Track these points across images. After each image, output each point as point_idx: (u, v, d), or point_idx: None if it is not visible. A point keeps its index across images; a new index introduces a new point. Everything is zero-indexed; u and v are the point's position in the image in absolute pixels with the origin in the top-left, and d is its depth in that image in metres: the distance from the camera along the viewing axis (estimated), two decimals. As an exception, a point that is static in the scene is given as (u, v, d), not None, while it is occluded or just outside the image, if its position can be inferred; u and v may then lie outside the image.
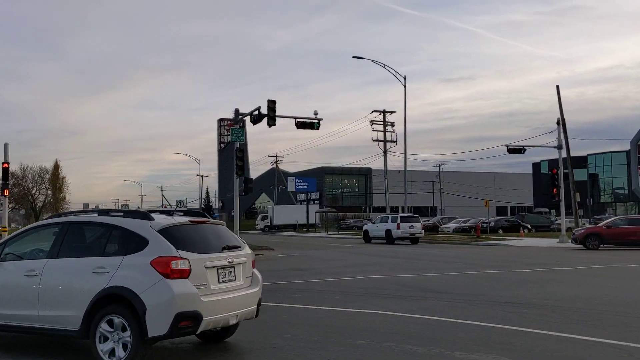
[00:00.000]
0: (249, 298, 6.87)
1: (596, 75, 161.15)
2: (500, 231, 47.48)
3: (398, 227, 34.08)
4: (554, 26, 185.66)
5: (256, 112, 25.95)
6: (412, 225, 34.45)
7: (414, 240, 34.41)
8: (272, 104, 25.35)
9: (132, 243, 6.33)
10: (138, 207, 69.08)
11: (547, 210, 74.45)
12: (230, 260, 6.67)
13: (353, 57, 43.75)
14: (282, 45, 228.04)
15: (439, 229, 53.51)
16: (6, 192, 26.28)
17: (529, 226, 49.48)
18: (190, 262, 6.13)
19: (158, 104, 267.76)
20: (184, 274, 6.05)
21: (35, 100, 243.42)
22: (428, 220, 61.84)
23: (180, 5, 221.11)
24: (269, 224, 73.13)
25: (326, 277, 15.53)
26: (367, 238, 37.73)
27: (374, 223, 38.98)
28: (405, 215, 37.35)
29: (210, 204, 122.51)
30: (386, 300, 11.04)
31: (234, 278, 6.73)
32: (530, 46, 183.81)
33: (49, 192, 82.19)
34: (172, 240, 6.24)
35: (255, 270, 7.27)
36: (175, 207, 53.89)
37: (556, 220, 48.35)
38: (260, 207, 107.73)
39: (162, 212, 7.24)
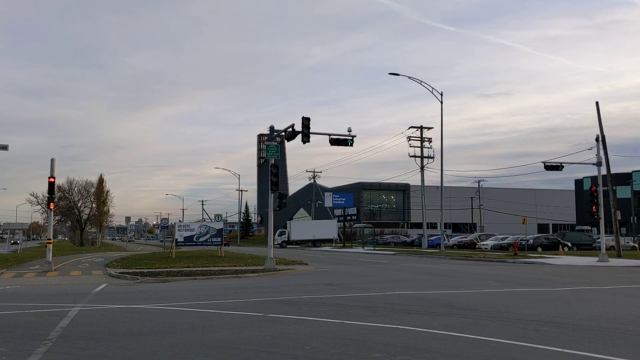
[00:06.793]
0: None
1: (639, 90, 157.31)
2: (540, 249, 46.74)
3: None
4: (595, 40, 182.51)
5: (290, 129, 26.42)
6: None
7: None
8: (306, 121, 25.74)
9: None
10: (180, 221, 70.48)
11: (589, 228, 72.80)
12: None
13: (389, 73, 44.18)
14: (319, 62, 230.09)
15: (477, 246, 52.95)
16: (51, 206, 27.23)
17: (569, 244, 48.55)
18: None
19: (200, 119, 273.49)
20: None
21: (82, 116, 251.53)
22: (465, 237, 61.31)
23: (220, 25, 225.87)
24: (286, 239, 73.91)
25: (355, 292, 15.76)
26: None
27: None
28: None
29: (250, 218, 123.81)
30: (410, 315, 11.22)
31: None
32: (570, 61, 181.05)
33: (94, 205, 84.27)
34: None
35: None
36: (213, 221, 55.01)
37: (598, 238, 47.29)
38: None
39: None
